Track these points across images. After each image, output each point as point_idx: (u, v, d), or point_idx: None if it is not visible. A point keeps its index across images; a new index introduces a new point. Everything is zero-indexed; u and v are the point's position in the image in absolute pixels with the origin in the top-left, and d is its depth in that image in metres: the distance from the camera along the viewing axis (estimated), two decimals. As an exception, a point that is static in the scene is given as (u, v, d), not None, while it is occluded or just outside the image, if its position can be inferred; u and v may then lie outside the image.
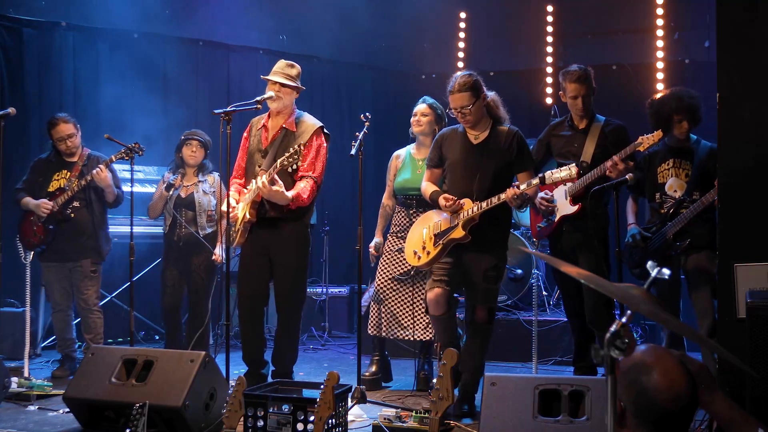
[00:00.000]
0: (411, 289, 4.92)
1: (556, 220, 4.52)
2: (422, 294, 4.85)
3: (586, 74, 4.50)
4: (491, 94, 4.29)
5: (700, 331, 4.24)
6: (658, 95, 4.69)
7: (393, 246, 4.99)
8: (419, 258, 4.25)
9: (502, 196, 3.98)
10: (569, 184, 4.43)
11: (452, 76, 4.26)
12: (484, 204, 4.02)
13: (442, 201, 4.13)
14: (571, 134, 4.60)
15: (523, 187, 4.02)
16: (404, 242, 4.83)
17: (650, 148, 4.29)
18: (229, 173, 4.52)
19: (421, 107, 4.96)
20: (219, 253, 5.51)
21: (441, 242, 4.13)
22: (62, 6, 6.96)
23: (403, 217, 4.99)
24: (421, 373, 4.93)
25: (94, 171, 5.20)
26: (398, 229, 5.00)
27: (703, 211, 4.16)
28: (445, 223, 4.16)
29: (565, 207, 4.48)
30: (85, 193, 5.35)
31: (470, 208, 4.05)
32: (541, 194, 4.56)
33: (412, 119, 4.97)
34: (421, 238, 4.28)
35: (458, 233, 4.07)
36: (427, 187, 4.38)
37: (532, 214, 4.78)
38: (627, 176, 4.17)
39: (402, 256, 4.88)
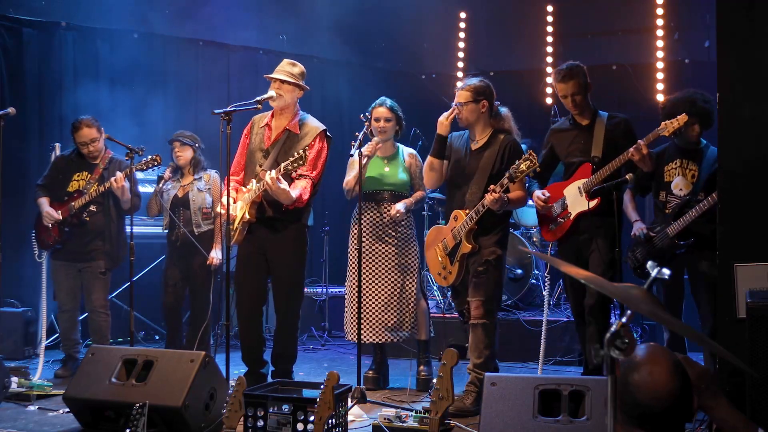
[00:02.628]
0: (396, 287, 4.87)
1: (571, 218, 4.38)
2: (411, 291, 4.87)
3: (571, 73, 4.35)
4: (504, 111, 4.46)
5: (703, 333, 4.23)
6: (673, 96, 4.57)
7: (368, 245, 4.91)
8: (446, 279, 4.49)
9: (485, 202, 4.14)
10: (584, 180, 4.32)
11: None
12: (473, 214, 4.22)
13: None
14: (576, 132, 4.46)
15: (497, 188, 4.10)
16: (380, 242, 4.87)
17: (672, 133, 4.12)
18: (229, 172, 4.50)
19: (383, 111, 4.84)
20: (214, 255, 5.56)
21: (456, 260, 4.37)
22: (62, 6, 6.96)
23: (374, 213, 4.92)
24: (421, 373, 4.94)
25: (112, 179, 5.19)
26: (371, 226, 4.91)
27: (709, 211, 4.10)
28: (451, 240, 4.38)
29: (580, 204, 4.31)
30: (104, 198, 5.34)
31: (464, 220, 4.28)
32: (537, 192, 4.41)
33: (374, 123, 4.82)
34: (437, 260, 4.51)
35: (466, 248, 4.31)
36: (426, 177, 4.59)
37: (540, 216, 4.63)
38: (627, 176, 4.15)
39: (379, 254, 4.87)
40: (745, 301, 3.15)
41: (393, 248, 4.87)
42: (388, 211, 4.88)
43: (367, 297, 4.88)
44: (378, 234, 4.91)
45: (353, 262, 4.86)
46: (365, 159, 4.65)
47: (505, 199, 4.18)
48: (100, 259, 5.35)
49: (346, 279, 5.02)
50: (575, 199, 4.36)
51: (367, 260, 4.90)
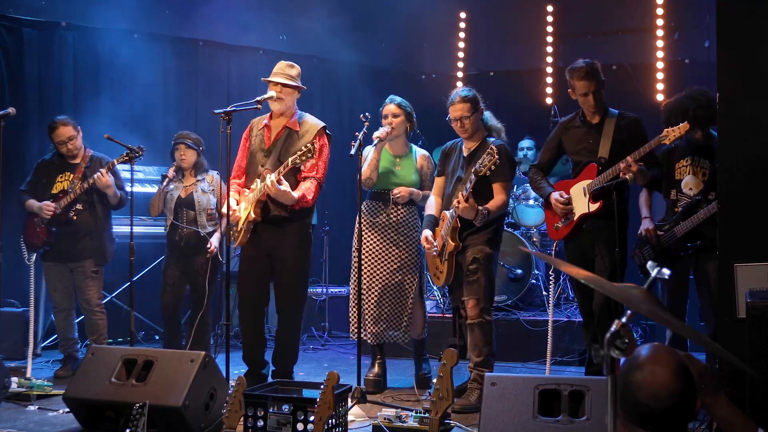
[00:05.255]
0: (399, 289, 4.86)
1: (575, 219, 4.39)
2: (410, 294, 4.86)
3: (593, 69, 4.38)
4: (488, 114, 4.64)
5: (707, 334, 4.22)
6: (669, 102, 4.54)
7: (373, 245, 4.88)
8: (438, 278, 4.59)
9: (457, 210, 4.28)
10: (588, 182, 4.33)
11: (452, 91, 4.63)
12: (453, 212, 4.34)
13: (423, 241, 4.56)
14: (585, 130, 4.46)
15: (460, 196, 4.24)
16: (385, 241, 4.86)
17: (674, 141, 4.13)
18: (230, 173, 4.50)
19: (391, 108, 4.86)
20: (214, 243, 5.56)
21: (445, 258, 4.45)
22: (62, 6, 6.96)
23: (381, 213, 4.88)
24: (420, 373, 4.94)
25: (96, 175, 5.20)
26: (377, 226, 4.88)
27: (717, 214, 4.08)
28: (440, 240, 4.50)
29: (584, 205, 4.33)
30: (88, 196, 5.35)
31: (447, 220, 4.40)
32: (555, 195, 4.45)
33: (383, 120, 4.85)
34: (432, 260, 4.62)
35: (450, 245, 4.41)
36: (430, 205, 4.71)
37: (548, 215, 4.65)
38: (627, 176, 4.14)
39: (385, 255, 4.85)
40: (745, 301, 3.15)
41: (396, 249, 4.86)
42: (395, 211, 4.88)
43: (367, 297, 4.86)
44: (383, 234, 4.88)
45: (355, 261, 4.85)
46: (376, 140, 4.72)
47: (484, 212, 4.28)
48: (90, 257, 5.37)
49: (350, 278, 4.98)
50: (579, 199, 4.37)
51: (370, 260, 4.86)
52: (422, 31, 8.53)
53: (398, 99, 4.91)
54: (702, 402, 2.05)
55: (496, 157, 4.11)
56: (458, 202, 4.22)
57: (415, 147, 5.06)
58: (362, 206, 4.84)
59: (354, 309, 4.86)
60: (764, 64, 3.41)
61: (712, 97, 4.28)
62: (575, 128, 4.54)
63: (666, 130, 4.08)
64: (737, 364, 2.05)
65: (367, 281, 4.85)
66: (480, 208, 4.28)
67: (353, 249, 4.93)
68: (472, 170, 4.21)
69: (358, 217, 4.84)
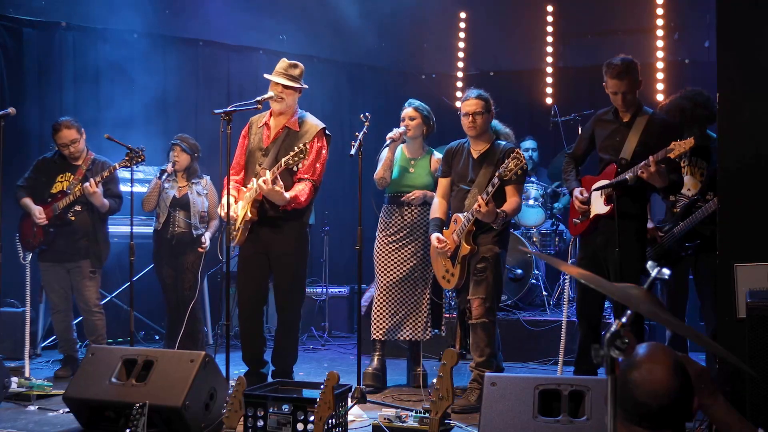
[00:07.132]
0: (412, 290, 4.93)
1: (590, 217, 4.34)
2: (424, 294, 4.92)
3: (628, 69, 4.30)
4: (495, 121, 4.67)
5: (707, 333, 4.22)
6: (667, 101, 4.50)
7: (388, 247, 4.95)
8: (449, 281, 4.58)
9: (473, 212, 4.27)
10: (604, 182, 4.28)
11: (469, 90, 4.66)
12: (470, 215, 4.33)
13: (434, 241, 4.54)
14: (615, 126, 4.34)
15: (482, 198, 4.22)
16: (399, 243, 4.91)
17: (680, 155, 4.05)
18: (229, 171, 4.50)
19: (408, 111, 4.95)
20: (207, 238, 5.70)
21: (458, 262, 4.46)
22: (62, 6, 6.96)
23: (396, 217, 4.95)
24: (416, 371, 4.95)
25: (86, 185, 5.19)
26: (392, 229, 4.95)
27: (715, 213, 4.05)
28: (451, 242, 4.49)
29: (599, 206, 4.30)
30: (87, 198, 5.34)
31: (461, 223, 4.41)
32: (576, 192, 4.39)
33: (401, 123, 4.93)
34: (442, 263, 4.60)
35: (465, 249, 4.42)
36: (435, 208, 4.71)
37: (572, 208, 4.57)
38: (627, 176, 4.13)
39: (398, 255, 4.91)
40: (745, 301, 3.15)
41: (412, 249, 4.91)
42: (410, 212, 4.93)
43: (384, 296, 4.92)
44: (398, 237, 4.93)
45: (377, 263, 4.97)
46: (389, 141, 4.80)
47: (503, 215, 4.29)
48: (86, 258, 5.36)
49: (376, 282, 5.06)
50: (596, 199, 4.33)
51: (387, 263, 4.94)
52: (422, 31, 8.53)
53: (416, 103, 4.99)
54: (700, 403, 2.05)
55: (523, 161, 4.13)
56: (479, 206, 4.20)
57: (434, 151, 5.08)
58: (382, 211, 5.05)
59: (376, 310, 4.95)
60: (764, 64, 3.41)
61: (707, 96, 4.28)
62: (607, 122, 4.41)
63: (673, 143, 4.00)
64: (737, 364, 2.05)
65: (384, 281, 4.93)
66: (498, 210, 4.29)
67: (374, 250, 5.03)
68: (497, 174, 4.22)
69: (380, 217, 4.98)
